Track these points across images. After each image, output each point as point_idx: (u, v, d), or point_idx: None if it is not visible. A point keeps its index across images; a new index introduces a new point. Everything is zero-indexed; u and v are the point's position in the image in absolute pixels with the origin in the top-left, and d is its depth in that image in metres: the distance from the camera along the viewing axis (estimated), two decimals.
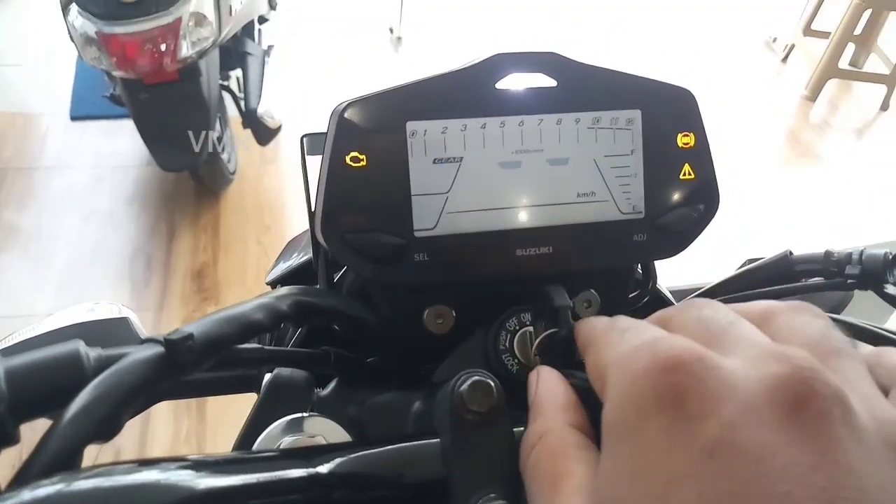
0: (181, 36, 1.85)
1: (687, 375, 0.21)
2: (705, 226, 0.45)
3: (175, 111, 2.01)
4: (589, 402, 0.29)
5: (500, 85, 0.42)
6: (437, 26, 3.62)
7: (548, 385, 0.31)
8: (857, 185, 2.99)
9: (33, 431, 0.27)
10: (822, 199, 2.89)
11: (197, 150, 2.02)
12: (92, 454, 0.26)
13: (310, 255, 0.52)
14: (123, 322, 0.54)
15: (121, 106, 2.09)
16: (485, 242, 0.42)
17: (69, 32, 1.84)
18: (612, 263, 0.45)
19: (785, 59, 3.88)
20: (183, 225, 2.32)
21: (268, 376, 0.40)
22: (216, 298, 2.08)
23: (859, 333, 0.43)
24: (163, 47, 1.84)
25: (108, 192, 2.41)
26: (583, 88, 0.43)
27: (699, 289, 0.53)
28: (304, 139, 0.47)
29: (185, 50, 1.87)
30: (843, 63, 3.55)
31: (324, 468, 0.30)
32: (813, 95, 3.52)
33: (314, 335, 0.47)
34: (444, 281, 0.42)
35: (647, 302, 0.52)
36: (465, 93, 0.41)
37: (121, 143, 2.59)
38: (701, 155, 0.45)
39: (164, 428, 1.72)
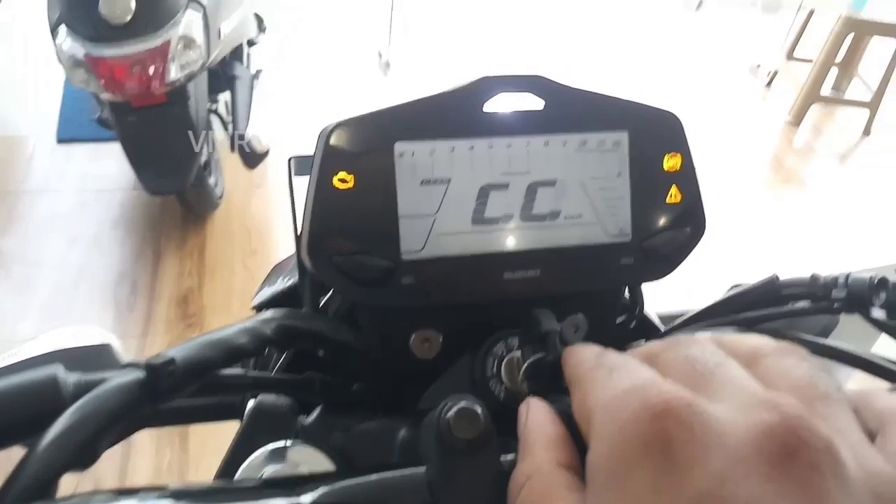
0: (170, 59, 1.85)
1: (675, 423, 0.21)
2: (692, 249, 0.45)
3: (163, 134, 2.00)
4: (579, 433, 0.29)
5: (488, 107, 0.42)
6: (426, 51, 3.65)
7: (537, 420, 0.30)
8: (841, 210, 3.02)
9: (10, 461, 0.27)
10: (807, 223, 2.91)
11: (197, 149, 2.01)
12: (71, 485, 0.25)
13: (296, 278, 0.52)
14: (105, 348, 0.53)
15: (108, 129, 2.08)
16: (472, 265, 0.41)
17: (57, 55, 1.84)
18: (599, 286, 0.45)
19: (769, 84, 3.93)
20: (169, 249, 2.30)
21: (251, 403, 0.40)
22: (200, 324, 2.05)
23: (844, 358, 0.43)
24: (151, 70, 1.84)
25: (93, 216, 2.39)
26: (570, 111, 0.43)
27: (686, 314, 0.53)
28: (292, 161, 0.46)
29: (174, 73, 1.87)
30: (826, 89, 3.61)
31: (306, 499, 0.29)
32: (797, 121, 3.57)
33: (299, 361, 0.46)
34: (432, 304, 0.41)
35: (635, 327, 0.51)
36: (452, 114, 0.41)
37: (107, 166, 2.58)
38: (687, 178, 0.45)
39: (145, 459, 1.69)
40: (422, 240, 0.40)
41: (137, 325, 2.03)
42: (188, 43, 1.89)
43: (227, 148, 2.30)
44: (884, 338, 0.45)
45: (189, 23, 1.87)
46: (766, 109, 3.77)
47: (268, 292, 0.59)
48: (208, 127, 2.22)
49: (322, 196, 0.39)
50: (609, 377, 0.26)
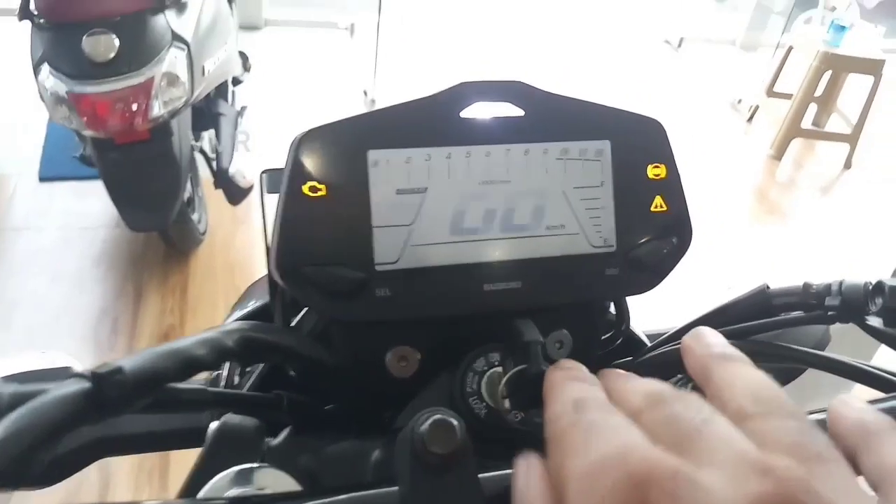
0: (153, 96, 1.85)
1: (659, 494, 0.19)
2: (678, 259, 0.43)
3: (145, 171, 1.99)
4: None
5: (466, 114, 0.40)
6: (411, 89, 3.67)
7: (528, 482, 0.28)
8: (824, 241, 3.03)
9: None
10: (790, 254, 2.92)
11: (180, 186, 2.00)
12: None
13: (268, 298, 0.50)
14: (65, 371, 0.50)
15: (91, 167, 2.06)
16: (451, 277, 0.40)
17: (39, 92, 1.83)
18: (583, 298, 0.43)
19: (750, 119, 3.98)
20: (150, 287, 2.26)
21: (214, 424, 0.37)
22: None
23: (840, 369, 0.41)
24: (134, 107, 1.83)
25: (75, 254, 2.35)
26: (550, 118, 0.41)
27: (672, 330, 0.51)
28: (264, 175, 0.45)
29: (157, 110, 1.86)
30: (807, 123, 3.65)
31: None
32: (778, 154, 3.60)
33: (270, 381, 0.43)
34: (408, 318, 0.39)
35: (621, 343, 0.49)
36: (429, 121, 0.40)
37: (90, 203, 2.55)
38: (672, 187, 0.43)
39: (124, 493, 1.64)
40: (397, 251, 0.39)
41: None
42: (172, 80, 1.89)
43: (212, 184, 2.28)
44: (883, 349, 0.43)
45: (173, 60, 1.87)
46: (748, 143, 3.81)
47: (238, 314, 0.56)
48: (192, 163, 2.20)
49: (292, 205, 0.37)
50: (587, 439, 0.23)
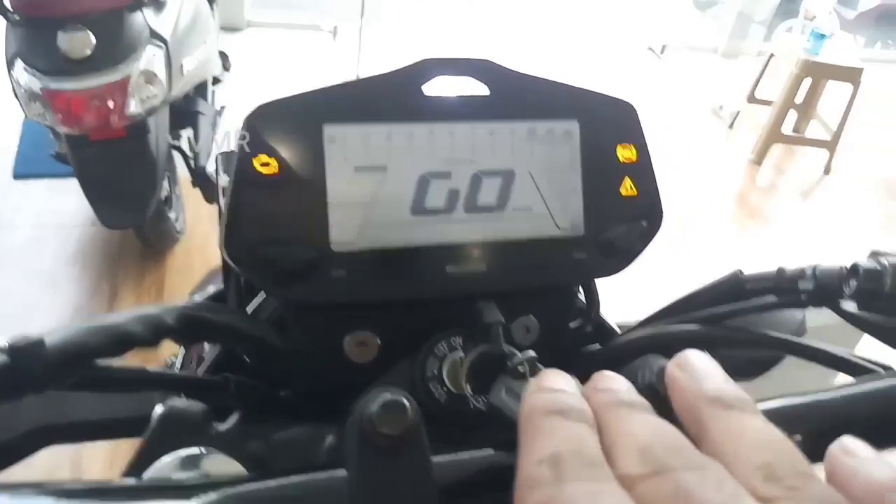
0: (129, 94, 1.82)
1: None
2: (648, 242, 0.42)
3: (120, 168, 1.96)
4: None
5: (429, 91, 0.39)
6: None
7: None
8: (804, 245, 3.05)
9: None
10: (769, 258, 2.93)
11: (156, 184, 1.96)
12: None
13: None
14: None
15: (66, 164, 2.03)
16: (411, 259, 0.38)
17: (13, 89, 1.79)
18: (550, 282, 0.41)
19: (731, 125, 4.00)
20: (126, 286, 2.23)
21: (159, 407, 0.35)
22: (157, 362, 1.98)
23: (820, 357, 0.40)
24: (110, 104, 1.80)
25: (49, 252, 2.31)
26: (517, 97, 0.40)
27: (642, 321, 0.49)
28: (220, 157, 0.43)
29: (134, 107, 1.84)
30: (787, 129, 3.68)
31: (203, 502, 0.25)
32: (759, 159, 3.62)
33: (224, 366, 0.42)
34: (366, 301, 0.38)
35: (591, 331, 0.48)
36: (390, 97, 0.38)
37: (65, 201, 2.51)
38: (643, 169, 0.42)
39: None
40: (354, 230, 0.37)
41: None
42: (149, 78, 1.86)
43: (189, 183, 2.26)
44: (863, 343, 0.43)
45: (150, 58, 1.85)
46: (729, 149, 3.83)
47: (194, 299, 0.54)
48: (169, 162, 2.17)
49: (243, 180, 0.36)
50: None
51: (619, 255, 0.42)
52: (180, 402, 0.35)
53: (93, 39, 1.72)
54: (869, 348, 0.43)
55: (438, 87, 0.40)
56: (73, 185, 2.01)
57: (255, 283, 0.36)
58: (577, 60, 4.51)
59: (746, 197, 3.45)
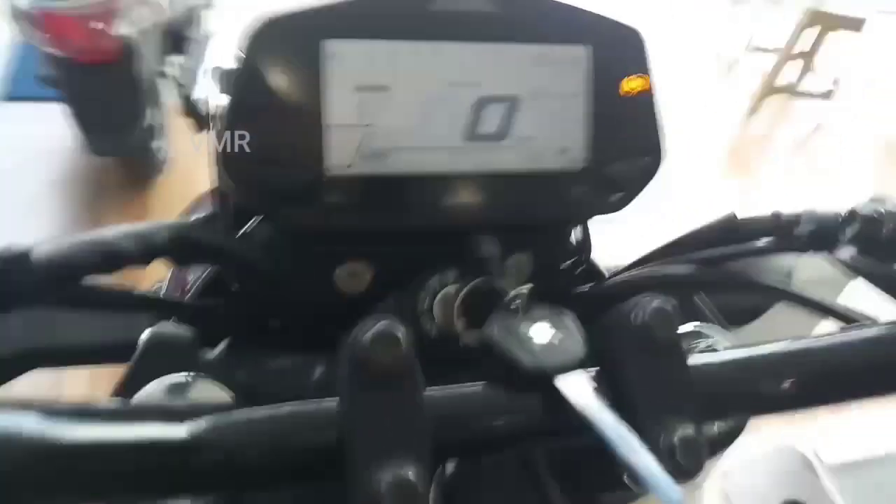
0: (120, 15, 1.76)
1: None
2: (649, 180, 0.41)
3: (108, 93, 1.91)
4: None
5: (435, 6, 0.37)
6: None
7: None
8: (794, 198, 3.05)
9: None
10: (757, 210, 2.93)
11: (144, 111, 1.92)
12: None
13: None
14: None
15: (52, 87, 1.97)
16: (409, 187, 0.37)
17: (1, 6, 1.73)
18: (549, 217, 0.41)
19: (729, 72, 3.94)
20: (108, 214, 2.19)
21: (147, 332, 0.34)
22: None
23: (813, 305, 0.40)
24: (100, 26, 1.74)
25: (31, 177, 2.28)
26: (527, 18, 0.38)
27: (634, 261, 0.49)
28: (216, 73, 0.41)
29: (124, 30, 1.78)
30: (786, 80, 3.63)
31: (191, 427, 0.24)
32: (755, 109, 3.58)
33: (213, 292, 0.41)
34: (360, 229, 0.37)
35: (581, 272, 0.47)
36: (394, 13, 0.36)
37: (49, 126, 2.45)
38: (648, 102, 0.41)
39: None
40: (351, 154, 0.36)
41: None
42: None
43: (175, 112, 2.20)
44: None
45: None
46: (725, 97, 3.78)
47: None
48: (157, 88, 2.12)
49: (240, 98, 0.34)
50: None
51: (619, 191, 0.41)
52: (168, 327, 0.34)
53: None
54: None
55: (444, 1, 0.38)
56: (58, 109, 1.97)
57: (249, 206, 0.35)
58: None
59: (738, 148, 3.42)
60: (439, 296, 0.38)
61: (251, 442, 0.25)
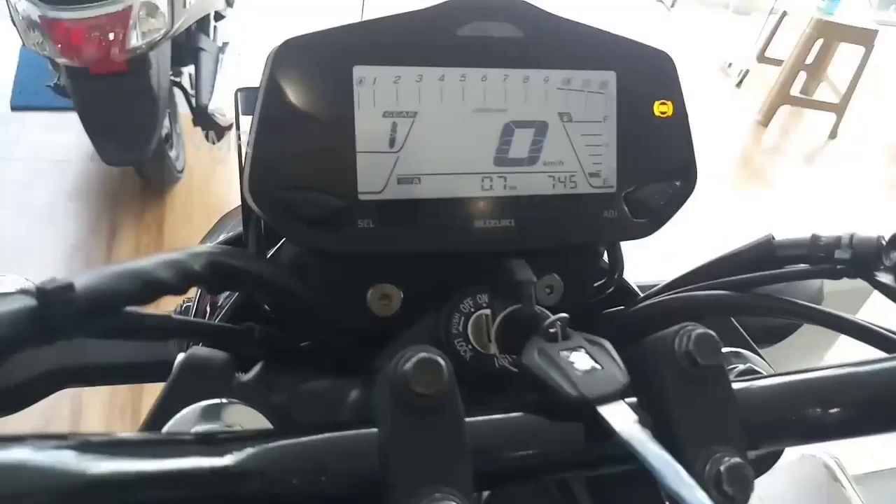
0: (131, 25, 1.77)
1: None
2: (681, 205, 0.41)
3: (121, 103, 1.92)
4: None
5: (463, 33, 0.37)
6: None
7: None
8: (806, 210, 3.04)
9: None
10: (769, 221, 2.93)
11: (158, 120, 1.93)
12: None
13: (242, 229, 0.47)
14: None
15: (65, 97, 1.98)
16: (439, 211, 0.37)
17: (11, 17, 1.74)
18: (579, 241, 0.40)
19: (739, 84, 3.95)
20: (125, 223, 2.21)
21: (181, 355, 0.34)
22: (156, 303, 1.97)
23: (839, 325, 0.39)
24: (111, 36, 1.75)
25: (46, 187, 2.29)
26: (554, 43, 0.38)
27: (665, 282, 0.48)
28: (239, 94, 0.41)
29: (135, 40, 1.79)
30: (795, 90, 3.63)
31: (233, 457, 0.24)
32: (766, 121, 3.58)
33: (243, 314, 0.41)
34: (392, 253, 0.37)
35: (613, 292, 0.47)
36: (422, 38, 0.36)
37: (63, 135, 2.48)
38: (679, 127, 0.41)
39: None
40: (382, 179, 0.36)
41: None
42: (151, 10, 1.81)
43: (190, 122, 2.22)
44: (867, 308, 0.42)
45: None
46: (735, 108, 3.78)
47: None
48: (170, 98, 2.13)
49: (268, 123, 0.34)
50: None
51: (649, 217, 0.40)
52: (202, 350, 0.35)
53: None
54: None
55: (471, 26, 0.38)
56: (71, 118, 1.98)
57: (278, 230, 0.35)
58: (585, 11, 4.41)
59: (750, 158, 3.42)
60: (472, 319, 0.37)
61: (293, 469, 0.25)
